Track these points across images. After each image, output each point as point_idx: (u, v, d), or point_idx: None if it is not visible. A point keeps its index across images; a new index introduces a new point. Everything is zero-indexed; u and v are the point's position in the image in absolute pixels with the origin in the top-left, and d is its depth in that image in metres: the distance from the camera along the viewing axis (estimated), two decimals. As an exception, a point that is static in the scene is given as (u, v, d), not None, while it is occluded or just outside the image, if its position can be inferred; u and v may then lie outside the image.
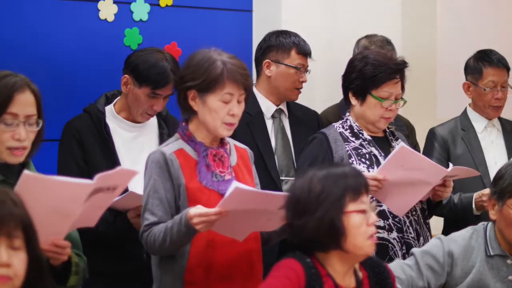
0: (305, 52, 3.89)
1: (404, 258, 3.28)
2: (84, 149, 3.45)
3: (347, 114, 3.46)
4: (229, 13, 4.49)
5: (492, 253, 3.09)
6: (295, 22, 4.63)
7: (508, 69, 4.17)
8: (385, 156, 3.32)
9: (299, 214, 2.49)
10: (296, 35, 3.92)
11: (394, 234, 3.31)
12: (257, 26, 4.52)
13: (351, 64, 3.44)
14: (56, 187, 2.40)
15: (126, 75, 3.50)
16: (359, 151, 3.36)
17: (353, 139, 3.39)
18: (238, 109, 2.89)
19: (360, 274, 2.57)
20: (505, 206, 3.06)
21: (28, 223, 1.95)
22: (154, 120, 3.60)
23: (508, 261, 3.09)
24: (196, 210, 2.70)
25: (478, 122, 4.19)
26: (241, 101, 2.90)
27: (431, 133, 4.19)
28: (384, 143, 3.44)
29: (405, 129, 4.11)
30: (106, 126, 3.49)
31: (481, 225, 3.19)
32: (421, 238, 3.38)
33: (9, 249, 1.91)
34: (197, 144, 2.91)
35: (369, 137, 3.40)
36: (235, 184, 2.64)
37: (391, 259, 3.24)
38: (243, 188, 2.65)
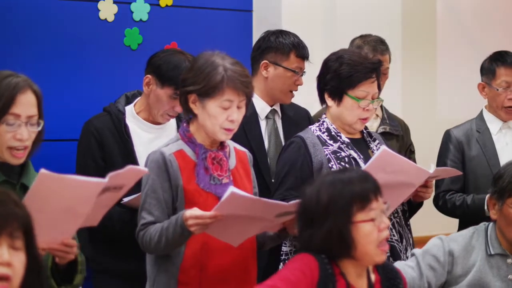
0: (303, 55, 3.85)
1: (388, 260, 3.27)
2: (103, 149, 3.46)
3: (323, 116, 3.42)
4: (229, 13, 4.49)
5: (492, 252, 3.11)
6: (295, 22, 4.64)
7: None
8: (364, 159, 3.29)
9: (308, 225, 2.46)
10: (295, 36, 3.89)
11: None
12: (257, 26, 4.52)
13: (325, 65, 3.39)
14: (70, 186, 2.41)
15: (149, 75, 3.48)
16: (338, 154, 3.31)
17: (331, 142, 3.33)
18: (237, 115, 2.89)
19: (373, 277, 2.56)
20: (505, 205, 3.08)
21: (29, 224, 1.96)
22: (173, 122, 3.60)
23: (509, 260, 3.11)
24: (192, 212, 2.72)
25: (493, 123, 4.16)
26: (241, 107, 2.91)
27: (447, 135, 4.17)
28: (362, 145, 3.40)
29: (400, 129, 4.10)
30: (126, 127, 3.49)
31: (482, 224, 3.20)
32: (404, 240, 3.37)
33: (10, 249, 1.91)
34: (196, 146, 2.92)
35: (347, 140, 3.35)
36: (231, 189, 2.63)
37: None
38: (239, 193, 2.64)
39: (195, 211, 2.71)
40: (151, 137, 3.53)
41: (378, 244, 2.44)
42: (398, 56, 5.20)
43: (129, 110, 3.55)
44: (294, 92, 3.86)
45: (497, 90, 4.09)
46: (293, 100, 3.96)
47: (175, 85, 3.40)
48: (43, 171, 2.36)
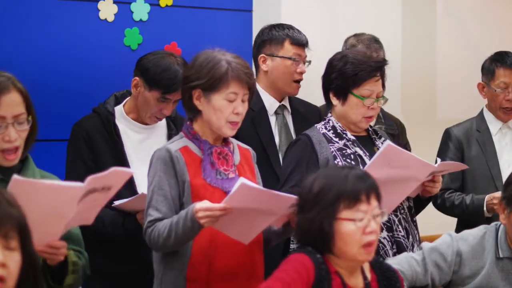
0: (299, 42, 3.86)
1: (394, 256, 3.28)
2: (93, 151, 3.43)
3: (329, 115, 3.43)
4: (229, 13, 4.49)
5: (501, 255, 3.08)
6: (295, 22, 4.62)
7: None
8: (370, 156, 3.29)
9: (298, 211, 2.52)
10: (290, 27, 3.90)
11: (384, 234, 3.27)
12: (257, 26, 4.51)
13: (330, 64, 3.41)
14: (46, 191, 2.38)
15: (137, 78, 3.46)
16: (344, 151, 3.32)
17: (336, 139, 3.35)
18: (242, 108, 2.91)
19: (369, 276, 2.56)
20: None
21: (24, 224, 1.95)
22: (163, 121, 3.58)
23: None
24: (202, 204, 2.72)
25: (493, 124, 4.18)
26: (245, 101, 2.92)
27: (447, 134, 4.19)
28: (367, 143, 3.41)
29: (396, 128, 4.11)
30: (115, 128, 3.47)
31: (493, 225, 3.17)
32: (410, 236, 3.36)
33: (4, 249, 1.90)
34: (201, 142, 2.92)
35: (353, 137, 3.36)
36: (241, 180, 2.65)
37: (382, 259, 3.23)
38: (249, 184, 2.65)
39: (205, 203, 2.72)
40: (141, 137, 3.52)
41: (362, 246, 2.44)
42: (398, 56, 5.19)
43: (119, 110, 3.53)
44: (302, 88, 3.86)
45: (495, 90, 4.11)
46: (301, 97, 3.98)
47: (163, 88, 3.39)
48: (15, 177, 2.33)
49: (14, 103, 2.54)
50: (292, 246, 3.35)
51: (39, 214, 2.38)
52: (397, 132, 4.09)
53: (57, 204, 2.42)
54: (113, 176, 2.57)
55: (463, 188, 4.05)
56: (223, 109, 2.88)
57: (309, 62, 3.92)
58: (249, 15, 4.58)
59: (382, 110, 4.12)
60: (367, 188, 2.47)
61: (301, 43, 3.87)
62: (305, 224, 2.48)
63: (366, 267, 2.57)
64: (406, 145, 4.15)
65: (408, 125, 4.31)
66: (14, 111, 2.54)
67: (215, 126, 2.91)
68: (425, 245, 3.12)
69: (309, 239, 2.48)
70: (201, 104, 2.91)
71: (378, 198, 2.50)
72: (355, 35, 4.20)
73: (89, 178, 2.46)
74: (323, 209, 2.43)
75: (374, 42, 4.14)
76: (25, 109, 2.57)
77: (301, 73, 3.86)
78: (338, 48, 4.11)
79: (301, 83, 3.90)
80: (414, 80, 5.35)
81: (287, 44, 3.85)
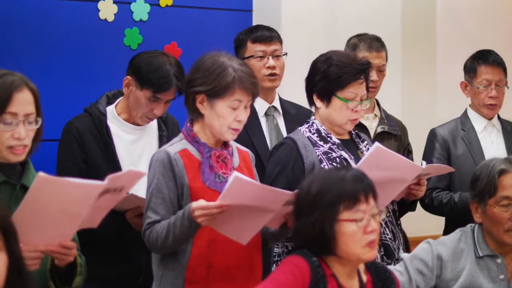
0: (259, 39, 3.90)
1: (382, 259, 3.29)
2: (85, 151, 3.42)
3: (312, 117, 3.41)
4: (229, 13, 4.49)
5: (481, 254, 3.11)
6: (295, 22, 4.64)
7: (504, 68, 4.20)
8: (355, 159, 3.29)
9: (297, 215, 2.52)
10: (254, 27, 3.96)
11: None
12: (257, 26, 4.53)
13: (314, 66, 3.38)
14: (69, 189, 2.41)
15: (129, 77, 3.46)
16: (329, 155, 3.30)
17: (321, 143, 3.33)
18: (244, 115, 2.93)
19: (364, 278, 2.57)
20: (487, 207, 3.09)
21: (8, 224, 1.95)
22: (154, 122, 3.58)
23: (498, 261, 3.12)
24: (198, 203, 2.74)
25: (478, 122, 4.21)
26: (247, 107, 2.94)
27: (432, 134, 4.21)
28: (351, 146, 3.41)
29: (398, 129, 4.11)
30: (107, 129, 3.46)
31: (469, 226, 3.21)
32: (396, 239, 3.38)
33: None
34: (200, 145, 2.93)
35: (337, 141, 3.35)
36: (235, 173, 2.66)
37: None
38: (242, 178, 2.66)
39: (201, 202, 2.74)
40: (132, 138, 3.51)
41: (364, 245, 2.45)
42: (398, 56, 5.20)
43: (111, 111, 3.52)
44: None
45: (478, 88, 4.13)
46: (295, 99, 3.98)
47: (154, 87, 3.38)
48: (41, 174, 2.36)
49: (26, 101, 2.57)
50: (277, 250, 3.34)
51: (56, 213, 2.41)
52: (399, 133, 4.10)
53: (75, 203, 2.44)
54: (129, 176, 2.60)
55: (450, 187, 4.07)
56: (226, 116, 2.89)
57: (285, 54, 3.94)
58: (249, 15, 4.57)
59: (384, 111, 4.14)
60: (365, 188, 2.48)
61: (261, 39, 3.90)
62: (305, 228, 2.47)
63: (361, 268, 2.57)
64: (408, 146, 4.16)
65: (408, 125, 4.31)
66: (25, 110, 2.56)
67: (217, 131, 2.92)
68: (405, 255, 3.14)
69: (310, 242, 2.48)
70: (204, 108, 2.92)
71: (375, 197, 2.51)
72: (357, 35, 4.20)
73: (110, 177, 2.48)
74: (323, 212, 2.44)
75: (376, 41, 4.14)
76: (35, 109, 2.59)
77: (270, 67, 3.87)
78: (338, 48, 4.11)
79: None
80: (414, 80, 5.35)
81: (249, 45, 3.91)
